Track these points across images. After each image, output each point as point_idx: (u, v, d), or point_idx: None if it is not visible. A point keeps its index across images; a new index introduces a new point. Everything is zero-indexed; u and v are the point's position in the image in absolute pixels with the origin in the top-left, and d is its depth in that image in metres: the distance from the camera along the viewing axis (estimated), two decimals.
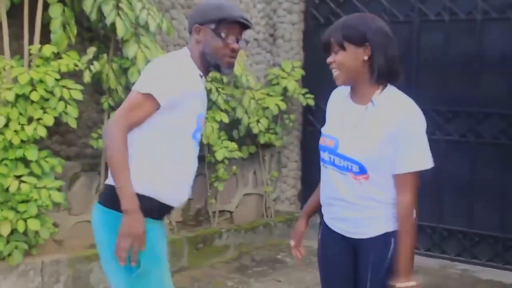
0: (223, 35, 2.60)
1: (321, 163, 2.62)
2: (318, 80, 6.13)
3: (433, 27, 5.72)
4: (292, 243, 2.87)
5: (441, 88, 5.65)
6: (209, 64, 2.67)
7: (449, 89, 5.62)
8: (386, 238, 2.50)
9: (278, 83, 6.23)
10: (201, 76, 2.68)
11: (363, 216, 2.51)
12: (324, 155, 2.58)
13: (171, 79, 2.54)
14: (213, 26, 2.60)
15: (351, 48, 2.45)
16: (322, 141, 2.60)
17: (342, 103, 2.60)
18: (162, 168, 2.58)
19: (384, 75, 2.45)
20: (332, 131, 2.57)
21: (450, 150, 5.64)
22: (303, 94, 6.20)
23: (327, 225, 2.65)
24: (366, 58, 2.44)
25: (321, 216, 2.71)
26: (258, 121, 5.89)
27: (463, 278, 5.30)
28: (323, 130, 2.64)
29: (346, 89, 2.60)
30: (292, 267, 5.43)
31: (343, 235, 2.58)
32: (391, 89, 2.50)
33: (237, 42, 2.64)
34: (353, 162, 2.45)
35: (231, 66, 2.68)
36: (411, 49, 5.75)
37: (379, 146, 2.43)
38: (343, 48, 2.45)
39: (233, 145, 5.61)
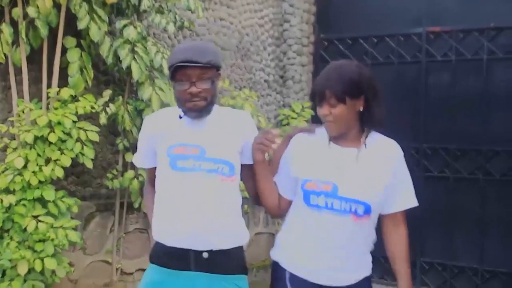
0: (177, 84, 2.58)
1: (307, 209, 2.54)
2: None
3: (440, 67, 5.85)
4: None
5: (449, 126, 5.75)
6: (185, 114, 2.64)
7: (457, 128, 5.71)
8: (367, 282, 2.60)
9: (288, 123, 6.34)
10: (180, 117, 2.64)
11: (352, 261, 2.51)
12: (318, 200, 2.51)
13: (139, 142, 2.77)
14: (169, 74, 2.60)
15: (350, 102, 2.47)
16: (314, 186, 2.53)
17: (322, 147, 2.57)
18: (156, 209, 2.65)
19: (380, 123, 2.55)
20: (324, 175, 2.52)
21: (459, 188, 5.70)
22: None
23: (299, 277, 2.56)
24: (361, 109, 2.50)
25: (278, 271, 2.63)
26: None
27: None
28: (304, 175, 2.57)
29: (317, 134, 2.62)
30: None
31: (321, 285, 2.53)
32: (373, 132, 2.59)
33: (195, 86, 2.53)
34: (359, 203, 2.47)
35: (193, 108, 2.57)
36: (418, 88, 5.87)
37: (386, 185, 2.51)
38: (343, 101, 2.46)
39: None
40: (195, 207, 2.51)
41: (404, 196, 2.57)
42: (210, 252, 2.52)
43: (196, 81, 2.53)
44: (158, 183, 2.64)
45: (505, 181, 5.52)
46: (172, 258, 2.55)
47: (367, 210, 2.48)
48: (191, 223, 2.51)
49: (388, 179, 2.51)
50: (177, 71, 2.54)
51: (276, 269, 2.65)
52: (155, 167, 2.69)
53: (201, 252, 2.52)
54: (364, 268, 2.58)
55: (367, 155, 2.52)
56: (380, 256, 5.56)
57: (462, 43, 5.71)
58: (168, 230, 2.57)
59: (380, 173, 2.50)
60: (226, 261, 2.56)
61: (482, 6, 5.62)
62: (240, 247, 2.64)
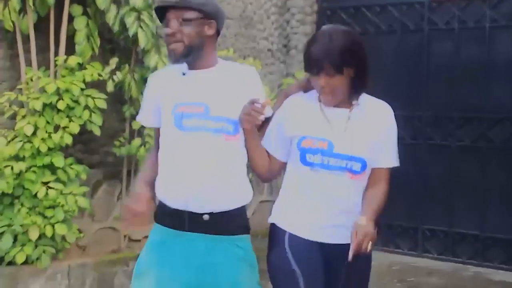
0: (161, 24, 2.59)
1: (303, 167, 2.54)
2: None
3: (443, 36, 5.86)
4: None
5: (452, 95, 5.78)
6: None
7: (459, 96, 5.74)
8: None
9: None
10: (184, 74, 2.59)
11: (351, 218, 2.46)
12: (314, 158, 2.51)
13: (144, 100, 2.74)
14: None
15: (346, 71, 2.47)
16: (311, 144, 2.53)
17: (315, 108, 2.57)
18: (160, 168, 2.58)
19: (362, 90, 2.59)
20: (320, 133, 2.53)
21: (462, 156, 5.76)
22: None
23: (300, 238, 2.54)
24: (353, 75, 2.50)
25: (276, 234, 2.62)
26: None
27: (476, 280, 5.40)
28: (302, 132, 2.56)
29: (309, 97, 2.61)
30: None
31: (330, 244, 2.52)
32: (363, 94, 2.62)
33: (170, 27, 2.50)
34: (355, 159, 2.50)
35: (170, 53, 2.54)
36: (421, 57, 5.89)
37: (379, 140, 2.56)
38: (340, 72, 2.46)
39: None
40: (198, 169, 2.45)
41: (389, 154, 2.61)
42: (210, 214, 2.48)
43: (169, 21, 2.50)
44: (162, 142, 2.59)
45: (507, 149, 5.58)
46: (172, 218, 2.52)
47: (363, 166, 2.51)
48: (193, 185, 2.46)
49: (378, 135, 2.56)
50: (161, 16, 2.56)
51: (275, 232, 2.63)
52: (159, 127, 2.64)
53: (201, 214, 2.48)
54: None
55: (359, 114, 2.56)
56: (382, 223, 5.75)
57: (464, 11, 5.72)
58: (170, 190, 2.52)
59: (372, 130, 2.55)
60: (227, 222, 2.51)
61: None
62: (242, 207, 2.61)
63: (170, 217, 2.52)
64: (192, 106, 2.50)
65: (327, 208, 2.51)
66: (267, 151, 2.68)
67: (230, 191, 2.52)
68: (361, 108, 2.58)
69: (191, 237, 2.49)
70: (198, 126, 2.48)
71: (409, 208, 5.88)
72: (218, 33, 2.64)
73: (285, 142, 2.62)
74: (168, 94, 2.57)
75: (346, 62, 2.45)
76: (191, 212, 2.48)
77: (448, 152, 5.79)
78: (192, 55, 2.53)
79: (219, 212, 2.49)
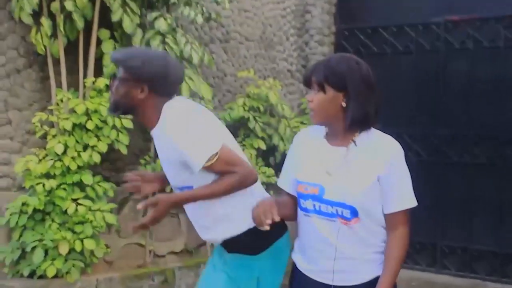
0: None
1: (301, 212, 2.49)
2: None
3: (459, 55, 5.99)
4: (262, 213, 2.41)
5: (468, 113, 5.89)
6: None
7: (475, 114, 5.85)
8: (375, 283, 2.43)
9: None
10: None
11: (356, 262, 2.41)
12: (306, 203, 2.44)
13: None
14: None
15: (331, 92, 2.38)
16: (303, 189, 2.46)
17: (317, 146, 2.50)
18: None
19: (357, 124, 2.40)
20: (312, 178, 2.44)
21: (478, 173, 5.85)
22: None
23: (306, 276, 2.52)
24: (344, 105, 2.39)
25: (294, 270, 2.59)
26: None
27: None
28: (298, 177, 2.49)
29: (317, 131, 2.54)
30: None
31: (328, 284, 2.46)
32: (370, 130, 2.45)
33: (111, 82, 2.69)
34: (344, 206, 2.37)
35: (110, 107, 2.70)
36: (438, 77, 6.02)
37: (370, 187, 2.37)
38: (323, 89, 2.39)
39: (270, 171, 5.89)
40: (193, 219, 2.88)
41: (399, 197, 2.41)
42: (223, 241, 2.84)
43: (112, 76, 2.69)
44: None
45: None
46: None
47: (354, 213, 2.37)
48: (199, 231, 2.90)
49: (375, 178, 2.37)
50: None
51: (293, 269, 2.61)
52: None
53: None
54: (372, 268, 2.44)
55: (356, 155, 2.41)
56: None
57: (479, 32, 5.85)
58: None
59: (368, 173, 2.37)
60: (236, 246, 2.79)
61: None
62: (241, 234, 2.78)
63: None
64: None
65: (325, 252, 2.44)
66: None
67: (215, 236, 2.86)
68: (361, 147, 2.41)
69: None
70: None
71: (428, 224, 5.98)
72: (165, 94, 2.64)
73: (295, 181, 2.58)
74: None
75: (329, 80, 2.37)
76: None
77: (464, 170, 5.89)
78: (119, 112, 2.70)
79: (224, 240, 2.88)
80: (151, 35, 4.74)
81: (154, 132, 2.65)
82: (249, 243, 2.73)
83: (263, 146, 5.79)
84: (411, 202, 2.43)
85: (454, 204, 5.96)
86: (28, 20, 4.41)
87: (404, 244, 2.42)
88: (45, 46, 4.48)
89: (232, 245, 2.75)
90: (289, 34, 6.63)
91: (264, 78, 6.23)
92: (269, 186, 6.05)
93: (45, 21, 4.40)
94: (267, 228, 2.32)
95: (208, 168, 2.55)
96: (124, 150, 4.68)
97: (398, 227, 2.41)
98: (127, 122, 4.66)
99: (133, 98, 2.60)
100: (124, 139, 4.65)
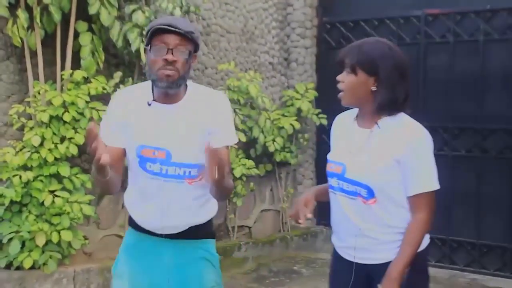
0: (153, 48, 2.48)
1: (330, 190, 2.61)
2: (330, 101, 6.32)
3: (439, 49, 6.03)
4: (300, 208, 2.65)
5: (447, 106, 5.94)
6: (153, 84, 2.53)
7: (455, 107, 5.90)
8: None
9: (292, 104, 6.55)
10: (149, 104, 2.54)
11: (376, 242, 2.49)
12: (332, 181, 2.57)
13: (105, 118, 2.64)
14: (147, 43, 2.51)
15: (362, 75, 2.45)
16: (329, 167, 2.59)
17: (347, 128, 2.59)
18: (128, 189, 2.70)
19: (385, 108, 2.45)
20: (338, 157, 2.55)
21: (458, 165, 5.90)
22: (317, 114, 6.52)
23: (338, 253, 2.65)
24: (374, 89, 2.45)
25: (334, 249, 2.70)
26: (274, 140, 6.21)
27: (472, 287, 5.54)
28: (329, 156, 2.62)
29: (351, 114, 2.62)
30: (307, 277, 5.71)
31: (356, 263, 2.55)
32: (398, 114, 2.49)
33: (172, 53, 2.44)
34: (361, 186, 2.45)
35: (164, 78, 2.45)
36: (418, 69, 6.06)
37: (386, 168, 2.43)
38: (354, 72, 2.45)
39: (251, 163, 5.93)
40: (164, 209, 2.56)
41: (419, 180, 2.45)
42: (178, 233, 2.64)
43: (173, 48, 2.44)
44: (130, 174, 2.65)
45: (501, 159, 5.73)
46: (144, 228, 2.65)
47: (370, 193, 2.45)
48: (161, 222, 2.59)
49: (392, 160, 2.42)
50: (155, 37, 2.47)
51: (334, 249, 2.71)
52: (115, 148, 2.55)
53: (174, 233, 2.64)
54: (394, 248, 2.47)
55: (378, 137, 2.47)
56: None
57: (459, 25, 5.90)
58: (138, 219, 2.66)
59: (386, 155, 2.43)
60: (195, 232, 2.66)
61: None
62: (209, 220, 2.72)
63: (139, 226, 2.67)
64: (156, 151, 2.52)
65: (349, 229, 2.53)
66: None
67: (190, 221, 2.65)
68: (385, 130, 2.47)
69: (161, 241, 2.63)
70: (161, 172, 2.53)
71: None
72: None
73: None
74: (132, 125, 2.54)
75: (360, 63, 2.44)
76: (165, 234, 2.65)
77: (445, 162, 5.93)
78: (180, 86, 2.53)
79: (188, 227, 2.66)
80: (129, 28, 4.75)
81: (176, 106, 2.54)
82: (211, 226, 2.76)
83: (244, 139, 5.82)
84: (432, 185, 2.47)
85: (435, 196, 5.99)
86: (4, 12, 4.42)
87: (423, 229, 2.45)
88: (21, 39, 4.48)
89: (197, 230, 2.67)
90: (270, 27, 6.65)
91: (245, 71, 6.25)
92: (250, 178, 6.11)
93: (21, 14, 4.41)
94: (301, 224, 2.57)
95: (219, 150, 2.38)
96: None
97: (420, 211, 2.45)
98: (104, 114, 4.68)
99: (190, 68, 2.57)
100: None
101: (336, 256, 2.65)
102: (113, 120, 2.57)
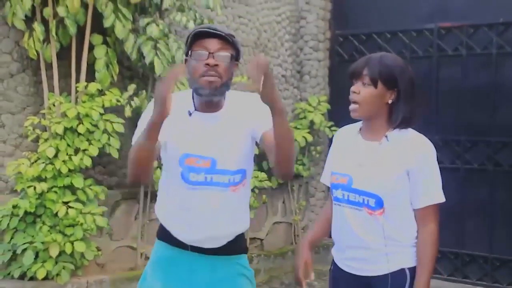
0: (193, 54, 2.42)
1: (334, 202, 2.62)
2: (343, 114, 6.34)
3: (451, 62, 6.03)
4: (300, 274, 2.72)
5: (460, 119, 5.93)
6: (195, 92, 2.46)
7: (467, 120, 5.89)
8: (401, 275, 2.51)
9: (305, 117, 6.57)
10: (190, 114, 2.51)
11: (377, 254, 2.50)
12: (337, 193, 2.57)
13: (142, 121, 2.49)
14: (188, 51, 2.45)
15: (381, 88, 2.47)
16: (334, 179, 2.60)
17: (351, 140, 2.61)
18: (162, 203, 2.64)
19: (403, 121, 2.49)
20: (344, 168, 2.56)
21: (470, 178, 5.89)
22: (329, 127, 6.53)
23: (337, 266, 2.65)
24: (390, 101, 2.49)
25: (333, 262, 2.71)
26: (295, 151, 6.20)
27: None
28: (332, 169, 2.64)
29: (354, 127, 2.65)
30: None
31: (355, 275, 2.57)
32: (406, 129, 2.54)
33: (213, 57, 2.38)
34: (370, 195, 2.47)
35: (207, 85, 2.39)
36: (430, 82, 6.06)
37: (396, 179, 2.46)
38: (374, 84, 2.47)
39: (263, 175, 5.94)
40: (209, 219, 2.52)
41: (427, 192, 2.48)
42: (214, 248, 2.59)
43: (214, 53, 2.39)
44: (165, 185, 2.63)
45: None
46: (179, 243, 2.59)
47: (378, 203, 2.46)
48: (199, 233, 2.55)
49: (403, 171, 2.46)
50: (195, 43, 2.42)
51: (333, 261, 2.72)
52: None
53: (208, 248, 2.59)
54: (396, 260, 2.51)
55: (388, 149, 2.50)
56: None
57: (472, 38, 5.90)
58: (176, 232, 2.59)
59: (396, 166, 2.46)
60: (229, 247, 2.60)
61: (491, 1, 5.81)
62: (242, 233, 2.68)
63: (175, 239, 2.60)
64: (200, 160, 2.48)
65: (351, 241, 2.55)
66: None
67: (233, 229, 2.62)
68: (393, 143, 2.50)
69: (195, 256, 2.59)
70: (206, 181, 2.49)
71: None
72: None
73: None
74: (174, 132, 2.46)
75: (383, 77, 2.46)
76: (198, 247, 2.59)
77: (457, 174, 5.92)
78: (223, 94, 2.47)
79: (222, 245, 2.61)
80: (143, 41, 4.79)
81: (217, 115, 2.50)
82: (244, 241, 2.74)
83: (256, 151, 5.79)
84: (439, 197, 2.52)
85: (446, 209, 5.97)
86: (20, 25, 4.47)
87: (435, 241, 2.49)
88: (37, 51, 4.54)
89: (232, 245, 2.62)
90: (283, 40, 6.69)
91: None
92: (262, 191, 6.12)
93: (37, 26, 4.46)
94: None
95: (266, 136, 2.40)
96: (115, 154, 4.74)
97: (428, 223, 2.49)
98: (118, 126, 4.73)
99: (233, 76, 2.51)
100: (115, 143, 4.71)
101: (336, 269, 2.66)
102: None
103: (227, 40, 2.42)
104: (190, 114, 2.50)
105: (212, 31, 2.41)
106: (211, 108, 2.50)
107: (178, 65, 2.15)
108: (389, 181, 2.46)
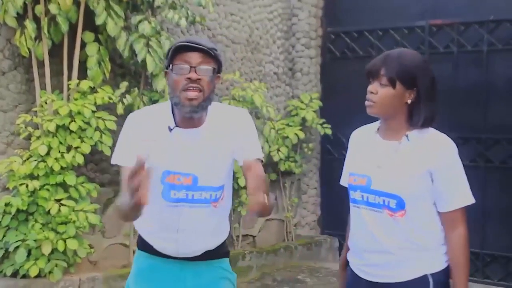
0: (174, 68, 2.36)
1: (352, 204, 2.51)
2: (335, 111, 6.54)
3: (442, 59, 6.06)
4: None
5: (451, 116, 5.94)
6: (176, 107, 2.40)
7: (458, 117, 5.91)
8: (423, 281, 2.38)
9: (297, 114, 6.59)
10: (170, 130, 2.44)
11: (398, 258, 2.38)
12: (355, 194, 2.47)
13: (121, 139, 2.48)
14: (168, 64, 2.40)
15: (400, 88, 2.36)
16: (352, 180, 2.50)
17: (369, 141, 2.52)
18: (143, 218, 2.39)
19: (424, 122, 2.38)
20: (361, 169, 2.47)
21: None
22: (321, 124, 6.55)
23: (354, 273, 2.52)
24: (409, 101, 2.38)
25: (347, 263, 2.62)
26: (278, 150, 6.25)
27: None
28: (350, 169, 2.55)
29: (371, 128, 2.56)
30: (311, 287, 5.72)
31: (374, 282, 2.44)
32: (426, 128, 2.43)
33: (195, 70, 2.33)
34: (391, 196, 2.36)
35: (187, 103, 2.34)
36: None
37: (418, 179, 2.35)
38: (393, 85, 2.36)
39: None
40: (187, 236, 2.50)
41: (455, 194, 2.37)
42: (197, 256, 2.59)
43: (196, 67, 2.34)
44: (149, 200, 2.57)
45: (505, 168, 5.75)
46: (160, 252, 2.57)
47: (400, 204, 2.35)
48: (179, 248, 2.53)
49: (425, 171, 2.34)
50: (176, 56, 2.36)
51: (348, 266, 2.62)
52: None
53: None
54: (417, 266, 2.39)
55: (408, 149, 2.38)
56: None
57: (463, 35, 5.93)
58: (156, 246, 2.56)
59: (418, 165, 2.35)
60: (212, 252, 2.61)
61: None
62: (224, 241, 2.68)
63: (157, 251, 2.58)
64: (181, 177, 2.43)
65: (370, 245, 2.43)
66: None
67: (215, 242, 2.62)
68: (414, 143, 2.39)
69: (178, 263, 2.57)
70: (187, 198, 2.46)
71: None
72: None
73: None
74: (154, 149, 2.41)
75: (401, 77, 2.35)
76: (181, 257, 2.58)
77: None
78: (205, 109, 2.42)
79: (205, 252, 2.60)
80: (135, 38, 4.79)
81: (199, 130, 2.45)
82: (226, 246, 2.73)
83: None
84: (468, 199, 2.40)
85: None
86: (12, 22, 4.47)
87: (466, 246, 2.37)
88: (29, 49, 4.53)
89: (214, 252, 2.63)
90: (275, 37, 6.70)
91: (250, 81, 6.29)
92: None
93: (29, 24, 4.46)
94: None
95: (248, 164, 2.27)
96: (107, 151, 4.74)
97: (457, 227, 2.37)
98: (110, 124, 4.73)
99: (214, 89, 2.47)
100: (108, 140, 4.71)
101: (353, 276, 2.54)
102: (132, 140, 2.43)
103: (209, 54, 2.37)
104: (170, 130, 2.44)
105: (193, 45, 2.35)
106: (192, 124, 2.44)
107: (138, 156, 2.08)
108: (411, 181, 2.35)
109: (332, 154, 6.73)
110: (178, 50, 2.36)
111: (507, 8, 5.72)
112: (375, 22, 6.45)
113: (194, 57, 2.35)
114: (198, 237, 2.53)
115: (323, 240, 6.64)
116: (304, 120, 6.54)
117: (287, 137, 6.32)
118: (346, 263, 2.61)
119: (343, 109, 6.34)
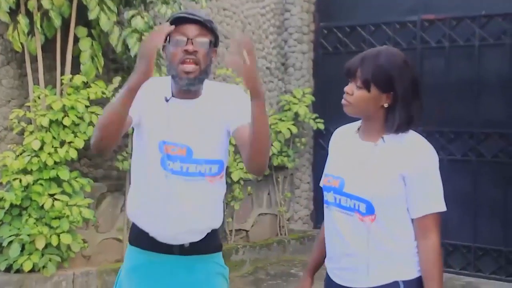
0: (172, 40, 2.37)
1: (324, 205, 2.42)
2: (327, 106, 6.56)
3: (434, 53, 6.10)
4: None
5: (443, 110, 5.99)
6: (173, 79, 2.43)
7: (450, 111, 5.96)
8: (393, 287, 2.29)
9: (289, 109, 6.61)
10: (167, 100, 2.45)
11: (368, 263, 2.29)
12: (328, 196, 2.38)
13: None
14: (166, 37, 2.35)
15: (375, 92, 2.24)
16: (326, 181, 2.40)
17: (348, 141, 2.42)
18: (135, 195, 2.54)
19: (399, 127, 2.26)
20: (337, 170, 2.37)
21: (453, 169, 5.95)
22: (314, 119, 6.57)
23: (329, 277, 2.42)
24: (386, 105, 2.26)
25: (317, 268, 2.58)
26: (271, 145, 6.26)
27: None
28: (326, 170, 2.45)
29: (352, 127, 2.45)
30: None
31: (345, 286, 2.34)
32: (409, 131, 2.31)
33: (192, 42, 2.34)
34: (360, 200, 2.26)
35: (184, 75, 2.37)
36: None
37: (389, 184, 2.25)
38: (367, 87, 2.24)
39: None
40: (184, 212, 2.45)
41: (426, 200, 2.26)
42: (191, 243, 2.52)
43: (193, 39, 2.35)
44: (143, 172, 2.52)
45: (496, 162, 5.79)
46: (151, 243, 2.51)
47: (369, 208, 2.25)
48: (174, 226, 2.47)
49: (397, 176, 2.24)
50: (174, 30, 2.34)
51: (326, 272, 2.51)
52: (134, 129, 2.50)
53: (182, 244, 2.51)
54: (388, 271, 2.30)
55: (383, 152, 2.28)
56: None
57: (455, 30, 5.96)
58: (151, 223, 2.51)
59: (390, 170, 2.25)
60: (205, 245, 2.56)
61: None
62: (216, 229, 2.63)
63: (148, 241, 2.51)
64: (175, 148, 2.43)
65: (341, 249, 2.34)
66: None
67: (209, 223, 2.57)
68: (391, 145, 2.27)
69: (171, 258, 2.52)
70: (181, 170, 2.43)
71: None
72: None
73: None
74: (151, 118, 2.44)
75: (377, 80, 2.23)
76: (173, 245, 2.52)
77: (440, 166, 5.96)
78: (202, 82, 2.43)
79: (198, 240, 2.55)
80: (128, 33, 4.79)
81: (195, 101, 2.45)
82: (218, 238, 2.69)
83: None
84: (440, 206, 2.28)
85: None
86: (5, 17, 4.47)
87: (438, 257, 2.26)
88: (22, 44, 4.53)
89: (207, 243, 2.58)
90: (268, 32, 6.72)
91: None
92: (247, 182, 6.15)
93: (22, 19, 4.46)
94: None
95: (241, 130, 2.35)
96: None
97: (429, 236, 2.26)
98: None
99: (211, 63, 2.48)
100: None
101: (328, 280, 2.43)
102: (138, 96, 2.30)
103: (206, 26, 2.39)
104: (167, 100, 2.45)
105: (190, 16, 2.37)
106: (189, 95, 2.45)
107: (165, 25, 2.14)
108: (382, 186, 2.25)
109: (325, 149, 6.67)
110: (175, 22, 2.37)
111: (499, 3, 5.75)
112: (368, 17, 6.47)
113: (191, 29, 2.37)
114: (192, 213, 2.47)
115: (316, 234, 6.66)
116: (296, 115, 6.56)
117: (280, 131, 6.35)
118: (312, 272, 2.57)
119: (335, 104, 6.20)
